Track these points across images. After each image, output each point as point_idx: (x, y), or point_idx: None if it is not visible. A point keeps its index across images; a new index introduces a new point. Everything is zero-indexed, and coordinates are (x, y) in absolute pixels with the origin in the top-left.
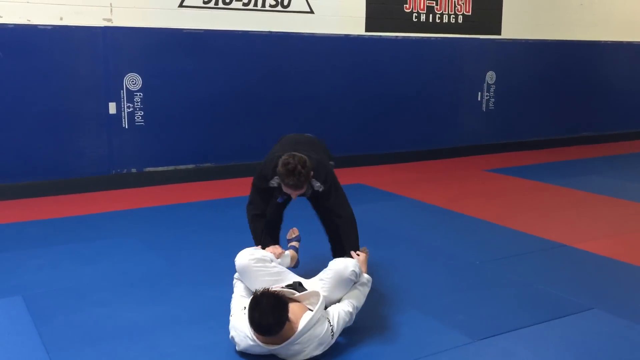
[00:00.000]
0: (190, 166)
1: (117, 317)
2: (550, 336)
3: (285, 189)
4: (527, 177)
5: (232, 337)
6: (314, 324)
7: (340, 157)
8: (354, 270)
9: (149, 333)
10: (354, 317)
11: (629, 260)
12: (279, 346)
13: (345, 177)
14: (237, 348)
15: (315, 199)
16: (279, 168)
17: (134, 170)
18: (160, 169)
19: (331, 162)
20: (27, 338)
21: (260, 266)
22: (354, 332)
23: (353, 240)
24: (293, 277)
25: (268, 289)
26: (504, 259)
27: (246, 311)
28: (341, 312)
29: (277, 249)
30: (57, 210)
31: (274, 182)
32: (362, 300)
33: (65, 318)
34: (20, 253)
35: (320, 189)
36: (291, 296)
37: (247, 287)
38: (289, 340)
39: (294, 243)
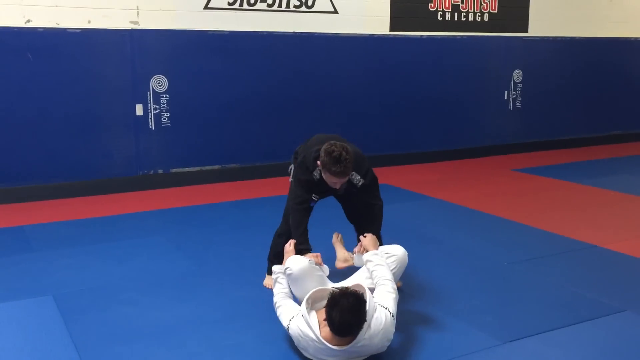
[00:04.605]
0: (216, 167)
1: (145, 316)
2: (581, 339)
3: (329, 179)
4: (556, 177)
5: (298, 343)
6: (372, 314)
7: (366, 157)
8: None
9: (177, 332)
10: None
11: None
12: (348, 346)
13: None
14: (305, 354)
15: (349, 195)
16: (323, 157)
17: (160, 171)
18: (186, 169)
19: None
20: (58, 337)
21: (314, 270)
22: None
23: (378, 225)
24: (331, 283)
25: (347, 288)
26: (532, 260)
27: (300, 314)
28: (389, 296)
29: (318, 257)
30: (86, 210)
31: (316, 174)
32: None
33: (95, 317)
34: (50, 253)
35: (360, 184)
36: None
37: (290, 289)
38: (356, 339)
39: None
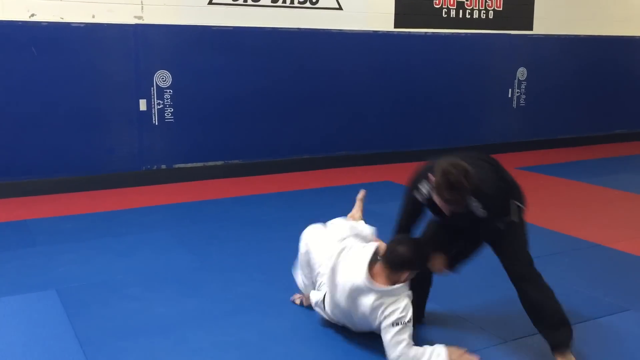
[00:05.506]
0: (219, 163)
1: (148, 311)
2: (584, 338)
3: (436, 200)
4: (560, 175)
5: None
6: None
7: (369, 154)
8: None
9: (180, 328)
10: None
11: None
12: (388, 287)
13: (374, 174)
14: (316, 288)
15: (476, 225)
16: (437, 177)
17: (163, 166)
18: (189, 165)
19: (519, 205)
20: (61, 331)
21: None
22: None
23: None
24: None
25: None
26: (536, 259)
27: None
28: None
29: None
30: (89, 205)
31: (424, 189)
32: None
33: (98, 312)
34: (53, 247)
35: (481, 215)
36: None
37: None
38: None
39: None
